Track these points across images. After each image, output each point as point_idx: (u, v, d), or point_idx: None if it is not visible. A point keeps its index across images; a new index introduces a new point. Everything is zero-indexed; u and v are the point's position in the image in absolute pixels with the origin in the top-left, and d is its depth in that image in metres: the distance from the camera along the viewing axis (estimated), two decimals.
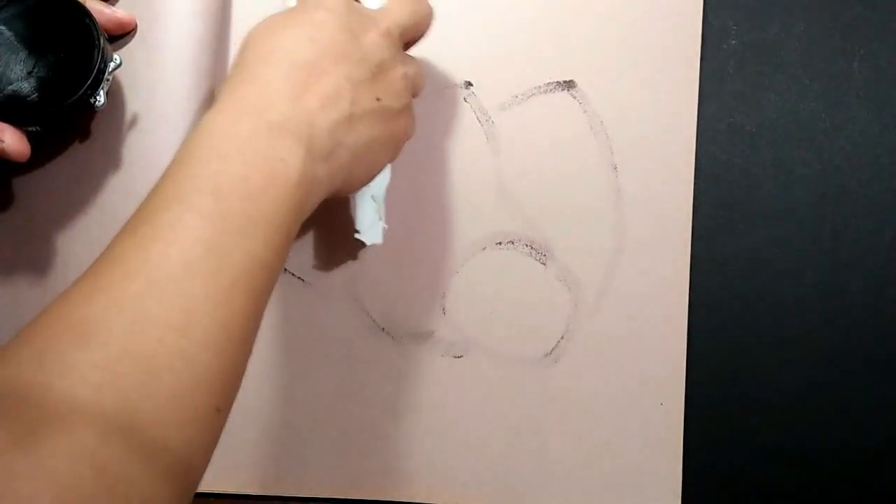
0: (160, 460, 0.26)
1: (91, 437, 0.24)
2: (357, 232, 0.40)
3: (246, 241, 0.29)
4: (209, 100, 0.41)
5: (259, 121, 0.31)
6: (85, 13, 0.35)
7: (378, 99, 0.35)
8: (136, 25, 0.39)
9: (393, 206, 0.44)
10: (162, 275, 0.28)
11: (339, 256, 0.45)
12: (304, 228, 0.44)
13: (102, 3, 0.38)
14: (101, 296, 0.27)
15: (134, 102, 0.39)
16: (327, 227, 0.44)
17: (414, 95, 0.38)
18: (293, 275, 0.44)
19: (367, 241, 0.41)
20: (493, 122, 0.45)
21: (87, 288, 0.28)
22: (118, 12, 0.38)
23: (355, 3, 0.36)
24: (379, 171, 0.38)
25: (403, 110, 0.37)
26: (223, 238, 0.29)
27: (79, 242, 0.39)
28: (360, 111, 0.34)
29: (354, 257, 0.45)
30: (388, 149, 0.37)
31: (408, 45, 0.39)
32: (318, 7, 0.35)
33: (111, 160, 0.39)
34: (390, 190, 0.41)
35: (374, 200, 0.41)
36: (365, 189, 0.39)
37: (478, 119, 0.45)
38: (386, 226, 0.42)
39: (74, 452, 0.24)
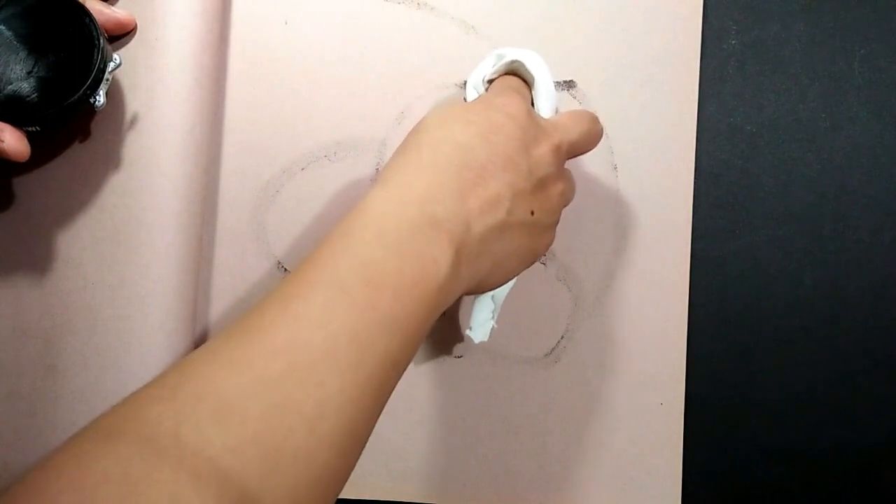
0: None
1: None
2: (469, 329, 0.41)
3: (386, 339, 0.29)
4: (209, 100, 0.41)
5: (423, 213, 0.31)
6: (85, 13, 0.35)
7: (532, 213, 0.35)
8: (135, 25, 0.39)
9: None
10: (305, 360, 0.27)
11: None
12: (305, 229, 0.44)
13: (102, 2, 0.38)
14: (245, 370, 0.27)
15: (134, 102, 0.39)
16: (329, 226, 0.44)
17: (563, 206, 0.38)
18: None
19: (475, 340, 0.42)
20: None
21: (235, 353, 0.28)
22: (118, 12, 0.38)
23: (534, 112, 0.36)
24: (512, 279, 0.37)
25: (552, 226, 0.37)
26: (368, 331, 0.29)
27: (79, 242, 0.39)
28: (514, 221, 0.34)
29: None
30: (527, 261, 0.37)
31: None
32: (500, 109, 0.35)
33: (111, 160, 0.39)
34: None
35: (493, 302, 0.41)
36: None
37: None
38: (496, 325, 0.42)
39: None
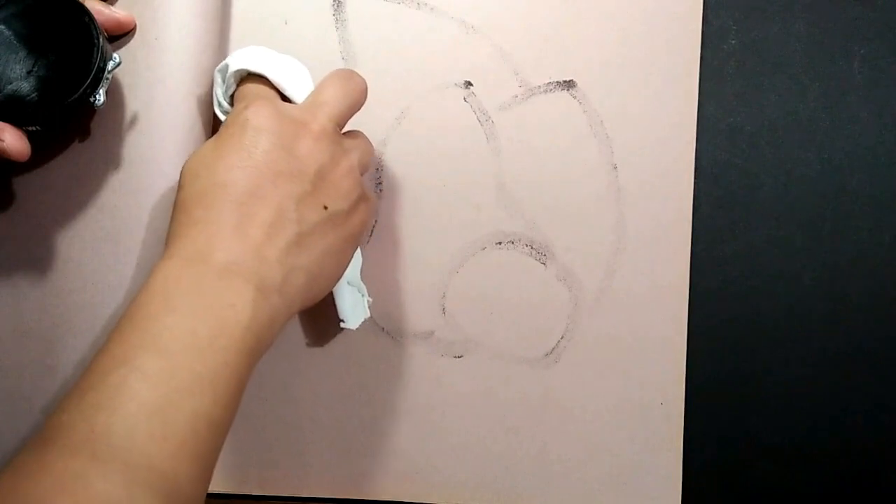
0: None
1: None
2: (342, 321, 0.41)
3: (193, 401, 0.29)
4: (208, 100, 0.41)
5: (206, 266, 0.31)
6: (84, 12, 0.35)
7: (325, 207, 0.34)
8: (135, 25, 0.39)
9: (394, 205, 0.44)
10: (104, 448, 0.27)
11: None
12: None
13: (102, 2, 0.38)
14: (45, 476, 0.27)
15: (134, 102, 0.39)
16: None
17: (362, 173, 0.37)
18: None
19: (353, 327, 0.41)
20: (493, 122, 0.45)
21: (36, 461, 0.27)
22: (117, 12, 0.38)
23: (282, 107, 0.35)
24: (343, 272, 0.37)
25: (355, 203, 0.36)
26: (168, 400, 0.28)
27: (79, 242, 0.39)
28: (309, 227, 0.33)
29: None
30: (348, 248, 0.36)
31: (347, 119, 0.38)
32: (246, 126, 0.34)
33: (111, 160, 0.39)
34: (391, 179, 0.41)
35: (351, 284, 0.41)
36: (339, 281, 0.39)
37: (478, 119, 0.45)
38: (370, 299, 0.42)
39: None
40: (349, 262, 0.37)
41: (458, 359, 0.45)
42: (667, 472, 0.45)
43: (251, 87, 0.37)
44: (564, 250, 0.45)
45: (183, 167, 0.34)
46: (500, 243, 0.45)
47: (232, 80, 0.38)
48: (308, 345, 0.44)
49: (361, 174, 0.37)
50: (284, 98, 0.38)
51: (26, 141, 0.35)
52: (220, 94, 0.39)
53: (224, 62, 0.38)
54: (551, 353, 0.45)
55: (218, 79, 0.39)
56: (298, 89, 0.38)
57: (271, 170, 0.33)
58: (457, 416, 0.45)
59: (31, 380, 0.39)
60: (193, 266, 0.31)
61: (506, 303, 0.45)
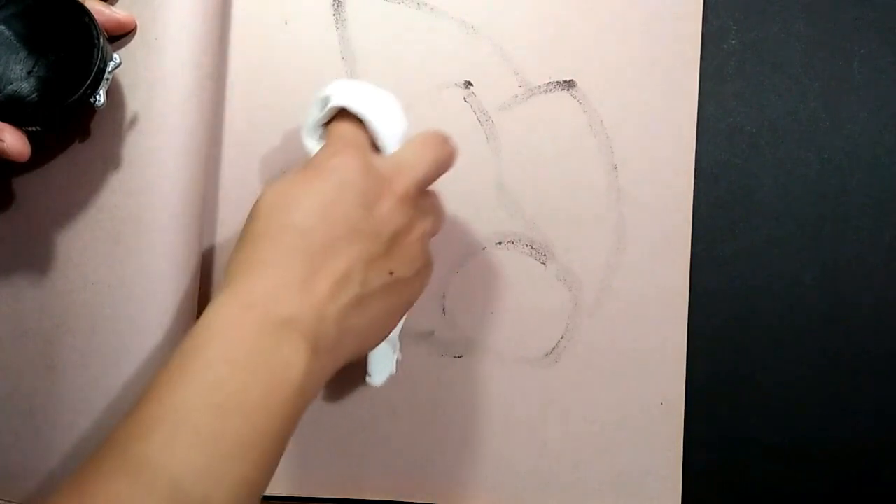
0: None
1: None
2: (368, 376, 0.40)
3: (236, 465, 0.28)
4: (209, 100, 0.41)
5: (268, 315, 0.30)
6: (84, 12, 0.35)
7: (391, 273, 0.33)
8: (135, 25, 0.39)
9: None
10: (157, 487, 0.27)
11: None
12: None
13: (102, 2, 0.38)
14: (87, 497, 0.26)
15: (134, 102, 0.39)
16: None
17: (430, 237, 0.36)
18: None
19: (377, 384, 0.41)
20: (493, 122, 0.45)
21: (85, 482, 0.27)
22: (118, 12, 0.38)
23: (373, 161, 0.34)
24: (390, 333, 0.35)
25: (420, 271, 0.35)
26: (213, 464, 0.28)
27: (79, 242, 0.39)
28: (371, 290, 0.32)
29: None
30: (402, 312, 0.35)
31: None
32: (333, 176, 0.33)
33: (111, 160, 0.39)
34: None
35: (389, 345, 0.41)
36: None
37: (478, 119, 0.45)
38: (401, 356, 0.42)
39: None
40: (399, 324, 0.36)
41: (458, 359, 0.45)
42: (667, 472, 0.45)
43: (346, 131, 0.35)
44: (564, 250, 0.45)
45: (260, 196, 0.33)
46: (500, 243, 0.45)
47: (328, 112, 0.36)
48: None
49: (426, 244, 0.36)
50: (374, 144, 0.36)
51: (26, 141, 0.35)
52: (311, 121, 0.37)
53: (326, 92, 0.36)
54: (551, 353, 0.45)
55: (315, 108, 0.37)
56: (392, 137, 0.36)
57: (349, 226, 0.32)
58: (457, 416, 0.45)
59: (31, 380, 0.39)
60: (255, 314, 0.30)
61: (506, 303, 0.45)
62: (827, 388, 0.46)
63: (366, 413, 0.44)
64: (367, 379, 0.41)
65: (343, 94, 0.36)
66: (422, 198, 0.36)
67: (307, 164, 0.34)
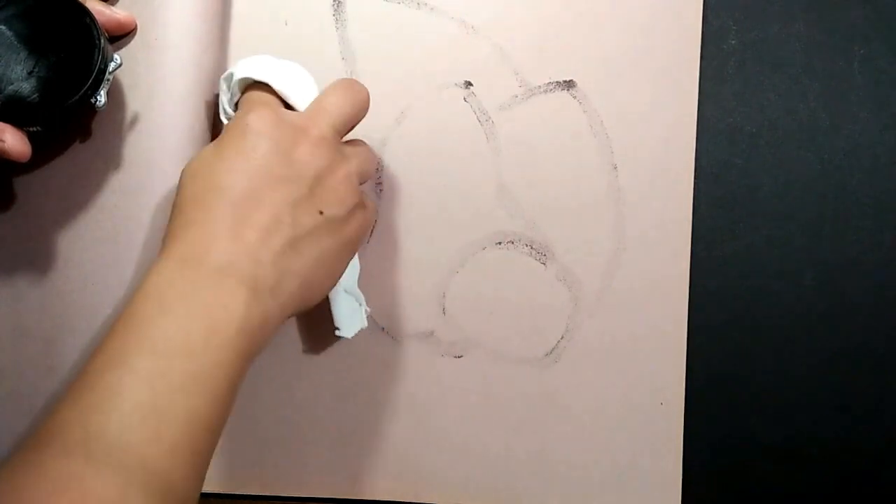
0: None
1: None
2: (337, 329, 0.41)
3: (186, 401, 0.29)
4: (209, 100, 0.41)
5: (200, 267, 0.31)
6: (85, 13, 0.35)
7: (321, 212, 0.34)
8: (136, 25, 0.39)
9: (393, 205, 0.44)
10: (99, 449, 0.27)
11: None
12: None
13: (102, 3, 0.38)
14: (41, 477, 0.27)
15: (134, 102, 0.39)
16: None
17: (362, 182, 0.37)
18: None
19: (348, 336, 0.41)
20: (493, 122, 0.45)
21: (31, 462, 0.28)
22: (118, 12, 0.38)
23: (283, 113, 0.36)
24: (338, 279, 0.37)
25: (352, 211, 0.36)
26: (162, 400, 0.29)
27: (79, 242, 0.39)
28: (303, 231, 0.33)
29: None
30: (344, 255, 0.36)
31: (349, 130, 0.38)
32: (246, 131, 0.34)
33: (111, 160, 0.39)
34: (391, 179, 0.41)
35: (348, 293, 0.41)
36: (335, 287, 0.39)
37: (478, 119, 0.45)
38: (369, 309, 0.42)
39: None
40: (344, 268, 0.37)
41: (458, 359, 0.45)
42: (667, 472, 0.45)
43: (254, 95, 0.37)
44: (564, 250, 0.45)
45: (183, 169, 0.34)
46: (500, 243, 0.45)
47: (237, 87, 0.38)
48: (308, 345, 0.44)
49: (361, 182, 0.37)
50: (288, 106, 0.38)
51: (27, 142, 0.35)
52: (225, 101, 0.39)
53: (229, 70, 0.38)
54: (551, 353, 0.45)
55: (223, 87, 0.39)
56: (302, 97, 0.38)
57: (268, 174, 0.33)
58: (457, 416, 0.45)
59: (30, 380, 0.39)
60: (188, 267, 0.31)
61: (506, 303, 0.45)
62: (827, 387, 0.46)
63: (365, 413, 0.44)
64: (336, 332, 0.41)
65: (245, 67, 0.38)
66: (346, 144, 0.37)
67: (223, 131, 0.35)
